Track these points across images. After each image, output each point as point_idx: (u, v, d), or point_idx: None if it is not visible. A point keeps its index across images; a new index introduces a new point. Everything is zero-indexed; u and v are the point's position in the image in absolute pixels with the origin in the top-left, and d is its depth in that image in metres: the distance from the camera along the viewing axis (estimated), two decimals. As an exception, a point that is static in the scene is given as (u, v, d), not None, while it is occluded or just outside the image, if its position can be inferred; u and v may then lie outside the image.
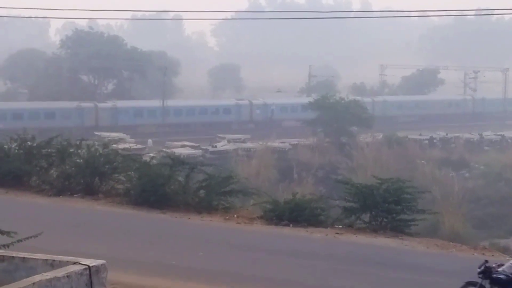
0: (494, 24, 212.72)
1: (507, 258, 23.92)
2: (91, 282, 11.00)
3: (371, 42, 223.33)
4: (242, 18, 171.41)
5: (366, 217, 26.01)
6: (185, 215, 26.82)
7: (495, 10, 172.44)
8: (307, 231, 24.91)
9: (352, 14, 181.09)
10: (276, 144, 74.28)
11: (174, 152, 47.27)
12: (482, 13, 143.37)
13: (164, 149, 64.41)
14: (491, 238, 42.42)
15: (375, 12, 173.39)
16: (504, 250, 29.11)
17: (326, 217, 26.61)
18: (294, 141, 75.85)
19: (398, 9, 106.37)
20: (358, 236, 24.32)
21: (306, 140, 75.10)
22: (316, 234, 24.42)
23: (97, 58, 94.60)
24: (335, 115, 76.15)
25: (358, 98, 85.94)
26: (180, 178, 29.06)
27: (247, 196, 29.88)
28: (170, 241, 22.76)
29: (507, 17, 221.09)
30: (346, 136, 76.06)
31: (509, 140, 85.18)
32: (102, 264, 11.31)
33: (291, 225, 25.69)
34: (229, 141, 77.02)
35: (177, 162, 30.00)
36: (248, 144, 75.39)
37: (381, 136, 76.12)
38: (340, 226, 25.91)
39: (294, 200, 26.90)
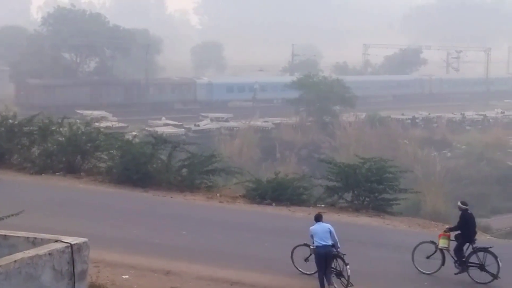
0: (476, 4, 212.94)
1: (488, 237, 24.12)
2: (73, 260, 10.96)
3: (354, 21, 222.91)
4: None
5: (348, 196, 26.13)
6: (167, 194, 26.80)
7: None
8: (289, 210, 24.97)
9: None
10: (259, 123, 74.22)
11: (157, 131, 47.22)
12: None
13: (147, 128, 64.33)
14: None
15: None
16: (486, 230, 29.33)
17: (309, 196, 26.68)
18: (277, 120, 75.78)
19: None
20: (341, 215, 24.41)
21: (289, 119, 75.06)
22: (299, 213, 24.48)
23: (79, 36, 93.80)
24: (317, 94, 76.09)
25: (342, 77, 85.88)
26: (163, 157, 29.02)
27: (230, 175, 29.87)
28: (153, 220, 22.74)
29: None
30: (329, 115, 76.04)
31: (490, 120, 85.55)
32: (84, 242, 11.27)
33: (274, 204, 25.74)
34: (212, 120, 76.88)
35: (159, 140, 29.93)
36: (231, 123, 75.27)
37: (364, 115, 76.20)
38: (323, 205, 25.99)
39: (276, 179, 26.93)
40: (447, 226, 18.88)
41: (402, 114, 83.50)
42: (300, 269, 17.48)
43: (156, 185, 27.78)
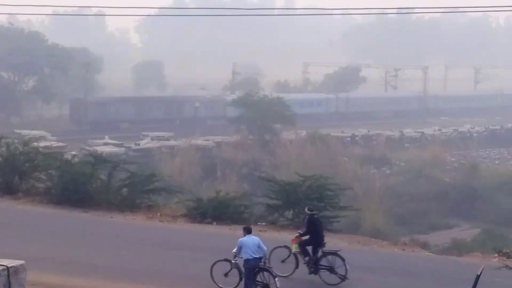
0: (414, 23, 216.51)
1: (427, 253, 24.42)
2: (9, 283, 10.80)
3: (295, 40, 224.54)
4: (165, 14, 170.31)
5: (289, 214, 26.17)
6: (107, 214, 26.56)
7: (416, 9, 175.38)
8: (230, 228, 24.93)
9: (276, 12, 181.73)
10: (200, 141, 74.07)
11: (96, 150, 46.78)
12: (403, 12, 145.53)
13: (86, 147, 63.70)
14: (411, 234, 43.10)
15: (298, 10, 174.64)
16: (424, 246, 29.59)
17: (250, 214, 26.70)
18: (218, 138, 75.75)
19: (321, 7, 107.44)
20: (282, 233, 24.44)
21: (230, 138, 75.09)
22: (239, 232, 24.35)
23: (17, 55, 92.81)
24: (259, 112, 76.33)
25: (283, 95, 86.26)
26: (103, 177, 28.77)
27: (171, 194, 29.72)
28: (93, 241, 22.50)
29: (427, 15, 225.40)
30: (269, 133, 76.30)
31: (428, 137, 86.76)
32: (21, 265, 11.12)
33: (215, 223, 25.69)
34: (152, 139, 76.47)
35: (99, 160, 29.68)
36: (172, 142, 74.96)
37: (304, 133, 76.65)
38: (264, 224, 26.01)
39: (217, 198, 26.89)
40: (298, 231, 19.58)
41: (342, 132, 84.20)
42: (220, 285, 17.67)
43: (96, 205, 27.51)
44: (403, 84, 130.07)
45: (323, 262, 18.68)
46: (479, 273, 13.59)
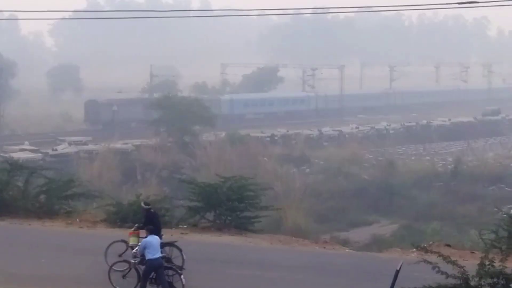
0: (330, 22, 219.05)
1: (347, 250, 24.71)
2: None
3: (212, 41, 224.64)
4: (80, 17, 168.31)
5: (210, 216, 26.14)
6: (25, 221, 26.05)
7: (330, 9, 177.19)
8: (152, 232, 24.72)
9: (192, 13, 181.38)
10: (119, 145, 73.30)
11: (12, 157, 45.85)
12: (319, 11, 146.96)
13: (1, 154, 62.34)
14: (332, 232, 43.62)
15: (215, 11, 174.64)
16: (344, 243, 29.99)
17: (171, 217, 26.52)
18: (137, 141, 75.12)
19: (237, 8, 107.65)
20: (203, 235, 24.41)
21: (149, 141, 74.57)
22: (163, 235, 24.27)
23: None
24: (177, 114, 75.99)
25: (205, 96, 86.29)
26: (19, 184, 28.20)
27: (90, 199, 29.32)
28: (10, 249, 22.02)
29: (341, 15, 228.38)
30: (189, 135, 76.06)
31: (346, 136, 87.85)
32: None
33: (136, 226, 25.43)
34: (70, 144, 75.32)
35: (15, 166, 29.06)
36: (90, 146, 74.00)
37: (223, 134, 76.70)
38: (185, 226, 25.91)
39: (137, 202, 26.61)
40: (136, 225, 19.87)
41: (262, 132, 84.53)
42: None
43: (12, 213, 26.94)
44: (320, 83, 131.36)
45: (162, 252, 18.83)
46: (398, 268, 13.83)
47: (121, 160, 66.45)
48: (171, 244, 19.18)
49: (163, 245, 18.76)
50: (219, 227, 25.56)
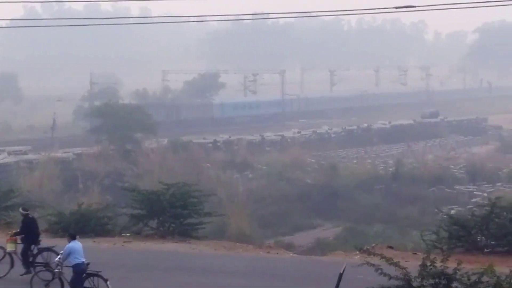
0: (270, 28, 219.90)
1: (291, 254, 24.79)
2: None
3: (153, 48, 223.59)
4: (17, 26, 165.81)
5: (154, 223, 26.01)
6: (-36, 233, 25.56)
7: (270, 14, 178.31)
8: (94, 241, 24.52)
9: (132, 20, 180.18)
10: (59, 154, 72.35)
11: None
12: (258, 17, 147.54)
13: None
14: (276, 236, 43.71)
15: (154, 18, 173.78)
16: (288, 247, 30.09)
17: (114, 226, 26.34)
18: (78, 150, 74.24)
19: (177, 15, 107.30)
20: (147, 243, 24.26)
21: (90, 149, 73.76)
22: (104, 244, 24.10)
23: None
24: (119, 122, 75.38)
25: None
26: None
27: (31, 209, 28.87)
28: None
29: (281, 20, 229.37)
30: (131, 143, 75.49)
31: (288, 140, 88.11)
32: None
33: (78, 236, 25.14)
34: (9, 153, 74.09)
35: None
36: (30, 156, 72.87)
37: (166, 141, 76.31)
38: (128, 234, 25.75)
39: (79, 211, 26.40)
40: (13, 231, 20.15)
41: (204, 138, 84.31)
42: None
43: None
44: (262, 89, 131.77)
45: (39, 259, 19.05)
46: (342, 271, 13.93)
47: (62, 169, 65.56)
48: (48, 249, 19.18)
49: (40, 251, 19.00)
50: (163, 235, 25.45)
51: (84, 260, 16.94)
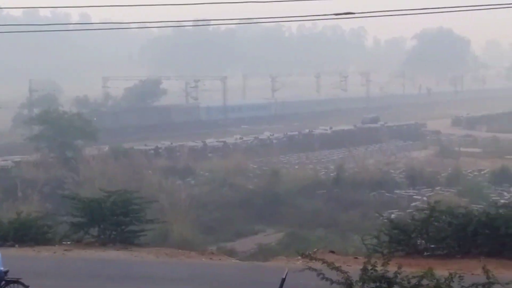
0: (211, 34, 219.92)
1: (234, 260, 24.80)
2: None
3: (93, 54, 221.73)
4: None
5: (95, 231, 25.78)
6: None
7: (211, 21, 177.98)
8: (34, 250, 24.19)
9: (71, 27, 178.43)
10: (-2, 162, 71.24)
11: None
12: (200, 24, 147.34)
13: None
14: (219, 242, 43.68)
15: (94, 24, 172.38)
16: (231, 253, 30.06)
17: (54, 234, 26.03)
18: (17, 158, 73.16)
19: (118, 21, 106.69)
20: (88, 251, 24.02)
21: (29, 157, 72.73)
22: (44, 253, 23.79)
23: None
24: (59, 129, 74.58)
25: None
26: None
27: (-32, 218, 28.40)
28: None
29: (223, 27, 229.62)
30: (71, 150, 74.69)
31: (230, 146, 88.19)
32: None
33: (17, 245, 24.82)
34: None
35: None
36: (-33, 164, 71.60)
37: (107, 148, 75.71)
38: (69, 242, 25.46)
39: (18, 219, 26.01)
40: None
41: (145, 145, 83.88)
42: None
43: None
44: (203, 95, 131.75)
45: None
46: (284, 277, 13.96)
47: (0, 178, 64.60)
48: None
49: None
50: (104, 242, 25.24)
51: (2, 268, 16.42)
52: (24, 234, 25.22)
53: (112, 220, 25.53)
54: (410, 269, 15.08)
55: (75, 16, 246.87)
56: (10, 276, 16.63)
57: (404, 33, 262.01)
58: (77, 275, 19.75)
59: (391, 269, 13.81)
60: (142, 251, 24.33)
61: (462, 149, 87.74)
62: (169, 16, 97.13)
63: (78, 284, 19.23)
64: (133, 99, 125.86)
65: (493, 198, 52.43)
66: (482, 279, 13.62)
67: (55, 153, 74.41)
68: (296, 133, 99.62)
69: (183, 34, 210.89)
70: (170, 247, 26.99)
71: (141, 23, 67.46)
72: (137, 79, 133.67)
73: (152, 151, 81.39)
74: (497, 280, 13.53)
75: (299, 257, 20.08)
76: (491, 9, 22.45)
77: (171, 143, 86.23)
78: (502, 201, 41.75)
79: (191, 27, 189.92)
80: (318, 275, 13.85)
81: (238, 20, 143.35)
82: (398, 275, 13.70)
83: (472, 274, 16.86)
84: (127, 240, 25.60)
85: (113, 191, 26.91)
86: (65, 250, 23.87)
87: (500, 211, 23.02)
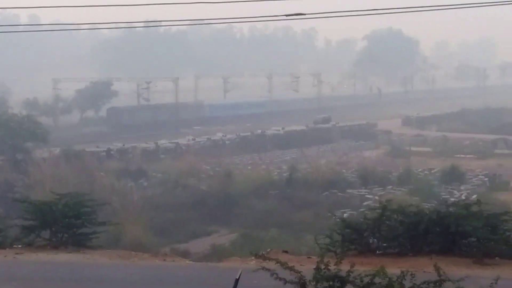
0: (162, 35, 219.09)
1: (187, 262, 24.76)
2: None
3: (43, 56, 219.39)
4: None
5: (46, 234, 25.51)
6: None
7: (162, 22, 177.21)
8: (-19, 255, 23.86)
9: (21, 28, 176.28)
10: None
11: None
12: (151, 25, 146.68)
13: None
14: (172, 244, 43.54)
15: (44, 26, 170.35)
16: (185, 254, 30.02)
17: (4, 237, 25.71)
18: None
19: (68, 22, 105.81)
20: (39, 255, 23.75)
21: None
22: (-1, 258, 23.48)
23: None
24: (8, 132, 73.80)
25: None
26: None
27: None
28: None
29: (174, 28, 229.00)
30: (21, 152, 73.88)
31: (183, 147, 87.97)
32: None
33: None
34: None
35: None
36: None
37: (58, 150, 75.02)
38: (20, 246, 25.15)
39: (-33, 224, 25.66)
40: None
41: (97, 147, 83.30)
42: None
43: None
44: (156, 96, 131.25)
45: None
46: (237, 277, 13.98)
47: None
48: None
49: None
50: (56, 245, 24.98)
51: None
52: (-26, 238, 24.89)
53: (64, 223, 25.29)
54: (363, 267, 15.20)
55: (24, 17, 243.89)
56: None
57: (354, 34, 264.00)
58: (29, 279, 19.54)
59: (344, 268, 13.91)
60: (94, 254, 24.15)
61: (412, 148, 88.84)
62: (119, 17, 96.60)
63: (30, 287, 19.02)
64: (85, 101, 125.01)
65: (444, 196, 53.16)
66: (434, 276, 13.78)
67: (5, 155, 73.54)
68: (249, 133, 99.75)
69: (134, 35, 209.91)
70: (123, 249, 26.84)
71: (92, 24, 66.98)
72: (88, 80, 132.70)
73: (104, 153, 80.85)
74: (448, 278, 13.70)
75: (253, 258, 20.13)
76: (439, 10, 22.78)
77: (123, 145, 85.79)
78: (452, 199, 42.35)
79: (142, 28, 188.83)
80: (272, 275, 13.89)
81: (189, 21, 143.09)
82: (351, 274, 13.80)
83: (424, 271, 17.05)
84: (79, 242, 25.37)
85: (64, 193, 26.65)
86: (16, 253, 23.58)
87: (450, 209, 23.33)
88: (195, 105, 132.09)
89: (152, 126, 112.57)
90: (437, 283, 13.61)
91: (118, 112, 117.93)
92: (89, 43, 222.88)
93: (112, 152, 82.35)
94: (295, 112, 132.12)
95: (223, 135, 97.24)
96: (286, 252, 23.45)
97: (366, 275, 13.74)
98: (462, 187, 61.70)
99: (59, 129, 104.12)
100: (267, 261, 14.76)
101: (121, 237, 41.23)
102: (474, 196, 45.96)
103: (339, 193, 59.70)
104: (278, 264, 14.17)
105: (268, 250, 23.03)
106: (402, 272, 13.79)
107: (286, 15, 21.11)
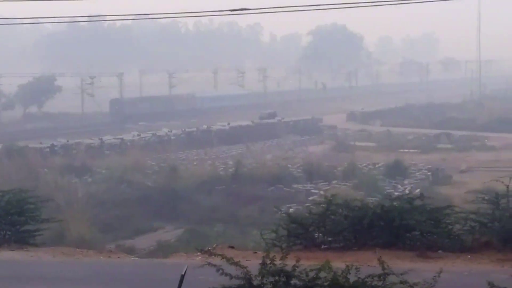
0: (106, 30, 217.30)
1: (133, 258, 24.63)
2: None
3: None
4: None
5: (-11, 232, 25.14)
6: None
7: (107, 16, 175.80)
8: None
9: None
10: None
11: None
12: (95, 20, 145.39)
13: None
14: (117, 240, 43.25)
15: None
16: (130, 251, 29.84)
17: None
18: None
19: (10, 17, 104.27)
20: (-17, 253, 23.40)
21: None
22: None
23: None
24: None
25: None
26: None
27: None
28: None
29: (118, 23, 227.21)
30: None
31: (128, 143, 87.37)
32: None
33: None
34: None
35: None
36: None
37: (0, 146, 73.98)
38: (-38, 245, 24.74)
39: None
40: None
41: (41, 143, 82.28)
42: None
43: None
44: (100, 91, 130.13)
45: None
46: (183, 273, 13.93)
47: None
48: None
49: None
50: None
51: None
52: None
53: (7, 220, 24.96)
54: (308, 262, 15.29)
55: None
56: None
57: (299, 29, 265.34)
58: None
59: (290, 263, 13.96)
60: (38, 251, 23.88)
61: (357, 143, 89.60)
62: (63, 12, 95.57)
63: (-29, 286, 18.72)
64: (27, 96, 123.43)
65: (388, 190, 53.60)
66: (378, 270, 13.91)
67: None
68: (194, 129, 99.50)
69: (78, 30, 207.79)
70: (68, 246, 26.58)
71: (35, 19, 66.15)
72: (31, 76, 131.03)
73: (48, 149, 79.90)
74: (392, 271, 13.84)
75: (199, 253, 20.10)
76: (383, 6, 23.01)
77: (68, 141, 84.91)
78: (396, 193, 42.75)
79: (86, 23, 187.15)
80: (218, 270, 13.89)
81: (133, 16, 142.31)
82: (296, 268, 13.86)
83: (368, 265, 17.21)
84: (22, 240, 25.06)
85: (7, 190, 26.29)
86: (-42, 252, 23.21)
87: (394, 203, 23.55)
88: (187, 97, 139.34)
89: (151, 117, 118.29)
90: (381, 277, 13.74)
91: (120, 103, 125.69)
92: (32, 38, 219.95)
93: (56, 148, 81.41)
94: (240, 108, 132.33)
95: (168, 131, 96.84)
96: (232, 247, 23.46)
97: (311, 270, 13.81)
98: (406, 181, 62.36)
99: (1, 125, 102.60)
100: (213, 256, 14.76)
101: (66, 234, 40.75)
102: (418, 190, 46.44)
103: (284, 188, 59.89)
104: (224, 260, 14.17)
105: (214, 245, 23.01)
106: (347, 266, 13.90)
107: (231, 10, 21.12)
